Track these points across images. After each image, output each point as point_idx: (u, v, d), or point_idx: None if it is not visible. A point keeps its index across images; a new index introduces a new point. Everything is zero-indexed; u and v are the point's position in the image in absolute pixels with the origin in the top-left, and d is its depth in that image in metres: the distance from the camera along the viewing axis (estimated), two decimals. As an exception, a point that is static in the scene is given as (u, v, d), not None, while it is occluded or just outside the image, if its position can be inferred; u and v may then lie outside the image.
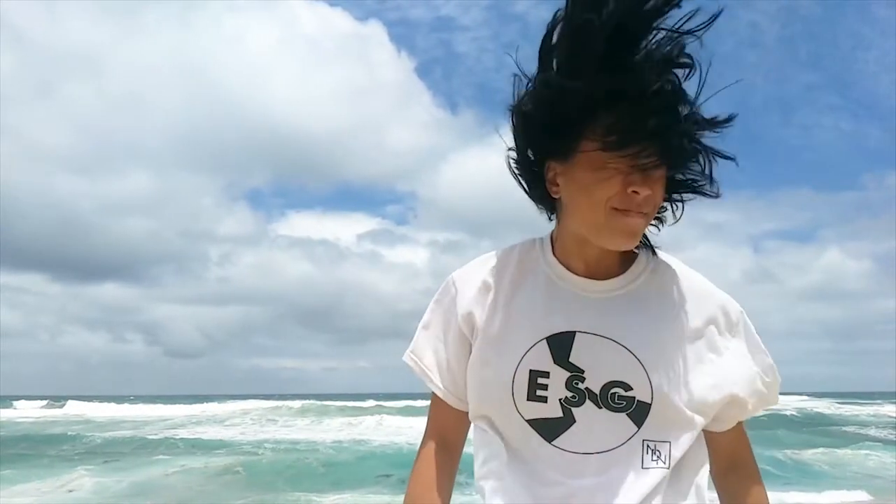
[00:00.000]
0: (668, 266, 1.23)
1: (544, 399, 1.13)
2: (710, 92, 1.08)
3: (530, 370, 1.14)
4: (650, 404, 1.11)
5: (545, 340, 1.14)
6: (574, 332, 1.14)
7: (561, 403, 1.13)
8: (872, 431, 30.82)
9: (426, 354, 1.30)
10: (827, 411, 45.39)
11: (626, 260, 1.22)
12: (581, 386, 1.13)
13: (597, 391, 1.12)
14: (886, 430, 31.72)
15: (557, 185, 1.14)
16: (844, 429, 32.36)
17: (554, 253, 1.23)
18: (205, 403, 48.67)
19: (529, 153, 1.17)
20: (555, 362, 1.14)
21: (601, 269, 1.19)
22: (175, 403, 49.00)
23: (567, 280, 1.19)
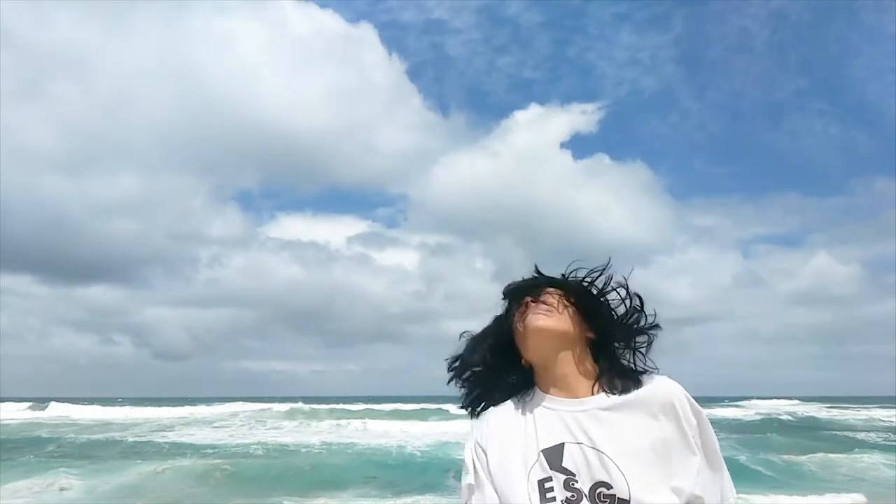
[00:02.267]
0: (628, 380, 1.54)
1: (553, 499, 1.39)
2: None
3: (537, 480, 1.41)
4: (629, 501, 1.35)
5: (541, 453, 1.44)
6: (563, 444, 1.44)
7: (565, 502, 1.38)
8: (864, 436, 31.01)
9: None
10: (818, 415, 45.80)
11: (590, 382, 1.54)
12: (576, 486, 1.39)
13: (586, 491, 1.38)
14: (876, 434, 31.98)
15: (522, 356, 1.59)
16: (838, 433, 32.55)
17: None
18: (193, 406, 48.55)
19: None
20: (551, 468, 1.41)
21: (571, 389, 1.53)
22: (163, 406, 48.77)
23: (550, 403, 1.52)
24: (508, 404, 1.61)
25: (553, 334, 1.53)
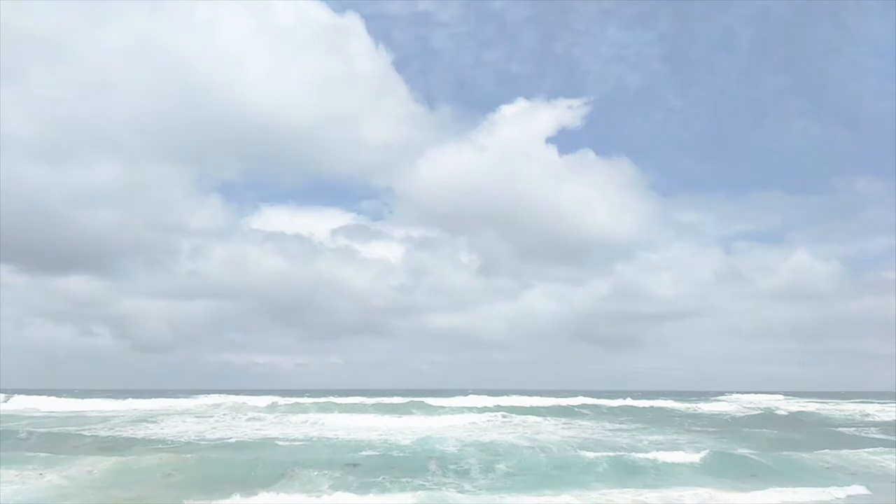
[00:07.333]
0: None
1: None
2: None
3: None
4: None
5: None
6: None
7: None
8: (847, 430, 31.51)
9: None
10: (805, 409, 46.44)
11: None
12: None
13: None
14: (856, 429, 32.40)
15: None
16: (826, 428, 33.07)
17: None
18: (174, 398, 48.25)
19: None
20: None
21: None
22: (144, 398, 48.38)
23: None
24: None
25: None
